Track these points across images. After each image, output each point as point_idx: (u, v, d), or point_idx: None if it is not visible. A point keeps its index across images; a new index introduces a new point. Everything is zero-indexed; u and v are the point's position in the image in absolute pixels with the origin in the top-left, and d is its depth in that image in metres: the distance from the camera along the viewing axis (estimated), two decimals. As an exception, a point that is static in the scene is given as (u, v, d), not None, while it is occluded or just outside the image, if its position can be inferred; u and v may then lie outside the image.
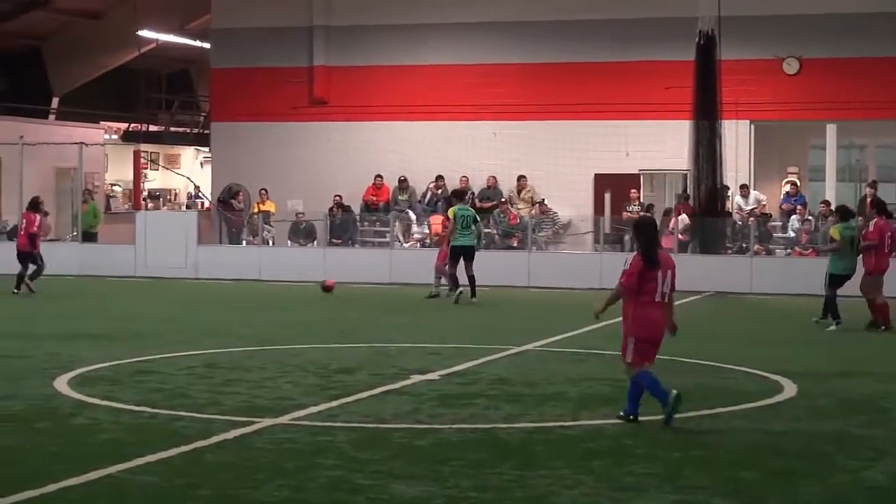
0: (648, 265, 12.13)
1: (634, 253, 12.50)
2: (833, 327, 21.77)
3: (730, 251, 32.63)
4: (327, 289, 28.09)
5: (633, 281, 12.12)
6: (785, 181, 35.50)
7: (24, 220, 28.84)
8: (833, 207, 28.14)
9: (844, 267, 22.06)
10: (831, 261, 22.31)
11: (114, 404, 13.07)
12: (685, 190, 33.90)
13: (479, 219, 27.60)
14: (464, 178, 35.94)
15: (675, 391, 12.06)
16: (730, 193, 33.81)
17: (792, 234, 33.27)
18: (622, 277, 12.21)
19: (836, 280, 22.08)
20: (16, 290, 27.33)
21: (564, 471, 10.12)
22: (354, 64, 38.07)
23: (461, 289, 26.20)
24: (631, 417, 12.28)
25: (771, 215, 34.44)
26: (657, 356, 12.49)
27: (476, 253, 26.82)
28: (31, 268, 28.03)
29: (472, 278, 26.38)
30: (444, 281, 27.10)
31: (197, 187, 46.82)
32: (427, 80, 37.40)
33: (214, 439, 11.27)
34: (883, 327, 21.49)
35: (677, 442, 11.43)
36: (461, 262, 26.29)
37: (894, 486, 10.01)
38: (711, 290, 29.37)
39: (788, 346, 19.57)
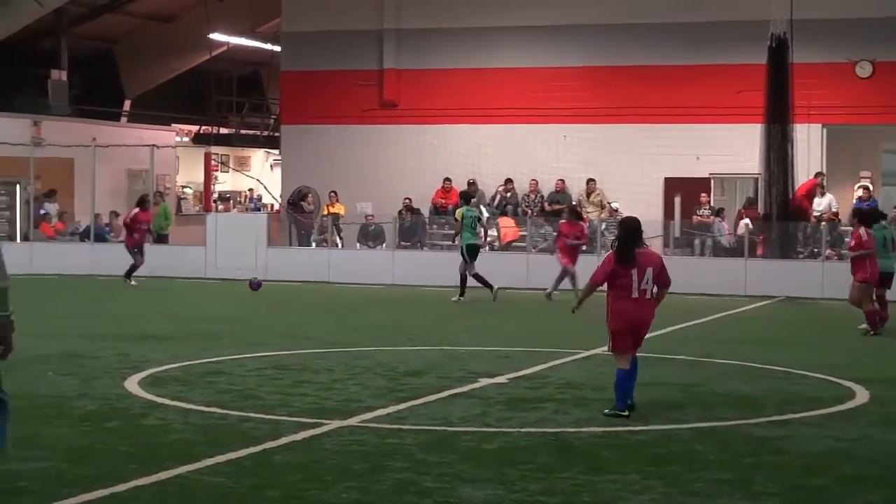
0: (619, 262, 12.95)
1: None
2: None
3: (801, 256, 32.36)
4: (254, 286, 28.46)
5: (599, 277, 13.13)
6: (857, 185, 35.15)
7: (132, 217, 31.11)
8: None
9: (883, 266, 21.93)
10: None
11: (184, 405, 13.14)
12: (756, 193, 33.71)
13: (482, 219, 28.59)
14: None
15: (629, 409, 12.76)
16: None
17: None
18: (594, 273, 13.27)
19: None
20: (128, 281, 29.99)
21: (633, 476, 10.06)
22: (424, 67, 38.12)
23: (495, 286, 27.09)
24: (625, 413, 12.79)
25: (841, 220, 34.11)
26: (639, 348, 13.19)
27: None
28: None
29: (464, 277, 27.29)
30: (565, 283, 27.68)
31: (258, 196, 47.12)
32: (496, 83, 37.37)
33: (283, 440, 11.30)
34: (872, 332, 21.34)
35: (748, 448, 11.33)
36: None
37: (969, 495, 9.88)
38: (782, 294, 29.16)
39: (860, 353, 19.36)
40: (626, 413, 12.72)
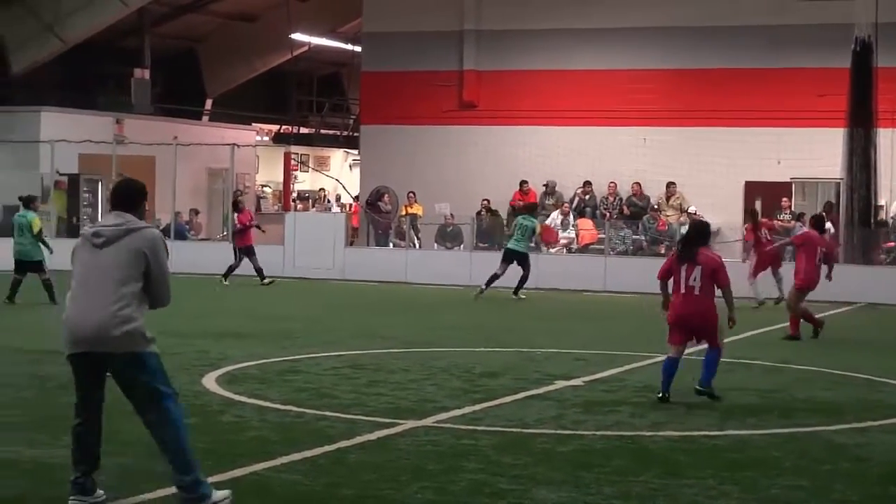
0: (677, 260, 13.93)
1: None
2: None
3: (884, 261, 32.02)
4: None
5: (660, 274, 14.21)
6: (940, 192, 34.73)
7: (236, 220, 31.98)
8: None
9: None
10: None
11: (260, 402, 13.22)
12: (837, 198, 33.40)
13: (536, 231, 29.26)
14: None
15: (661, 395, 13.73)
16: (883, 203, 33.21)
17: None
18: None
19: None
20: (224, 281, 30.68)
21: (710, 481, 9.99)
22: (503, 68, 38.11)
23: (485, 288, 28.07)
24: (665, 395, 13.78)
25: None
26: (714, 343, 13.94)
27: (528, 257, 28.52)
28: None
29: (523, 277, 28.25)
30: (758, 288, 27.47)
31: (327, 195, 47.34)
32: (575, 84, 37.29)
33: (358, 440, 11.33)
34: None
35: (826, 455, 11.22)
36: (513, 263, 28.24)
37: None
38: (863, 301, 28.85)
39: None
40: (661, 395, 13.71)
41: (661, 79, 36.57)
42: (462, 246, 35.63)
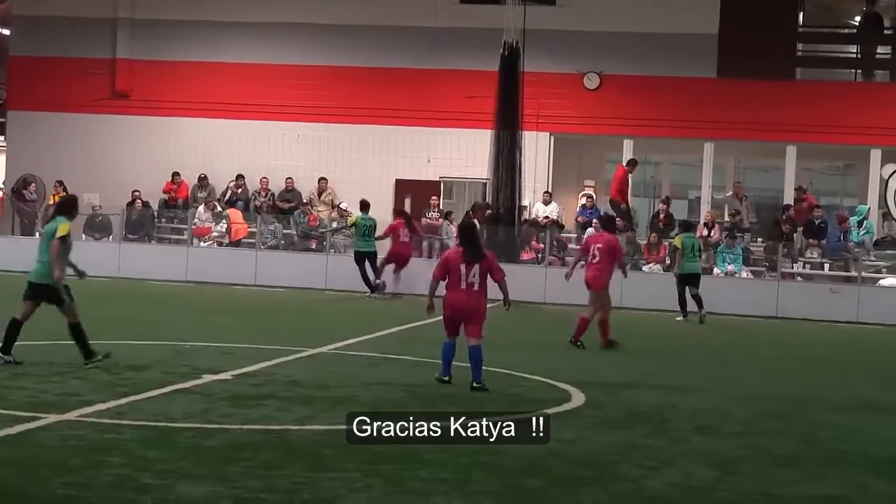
0: (462, 258, 15.30)
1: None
2: (681, 318, 27.57)
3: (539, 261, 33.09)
4: None
5: (437, 272, 15.49)
6: (581, 194, 36.09)
7: None
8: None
9: (690, 268, 27.52)
10: (681, 265, 27.55)
11: None
12: (484, 198, 34.29)
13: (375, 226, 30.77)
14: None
15: (437, 376, 15.42)
16: (527, 203, 34.26)
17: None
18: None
19: (684, 279, 27.68)
20: None
21: (354, 474, 10.13)
22: (158, 58, 37.62)
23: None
24: (445, 378, 15.38)
25: (563, 226, 34.96)
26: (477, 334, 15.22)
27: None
28: None
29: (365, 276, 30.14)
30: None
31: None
32: (231, 77, 37.15)
33: (-2, 434, 11.06)
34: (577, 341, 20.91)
35: (467, 448, 11.49)
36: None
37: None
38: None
39: (577, 357, 19.84)
40: (445, 378, 15.38)
41: (316, 75, 36.77)
42: (111, 237, 35.00)
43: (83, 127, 37.90)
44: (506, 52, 32.57)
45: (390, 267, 30.47)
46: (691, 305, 27.66)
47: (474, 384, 14.98)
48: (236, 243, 34.73)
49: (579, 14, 35.38)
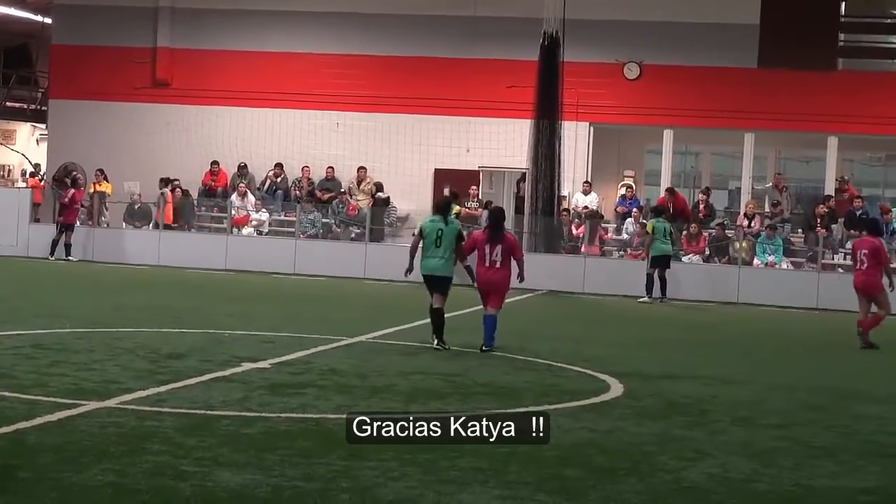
0: (487, 238, 17.64)
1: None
2: (645, 299, 29.15)
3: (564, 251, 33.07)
4: None
5: (467, 247, 17.76)
6: (621, 184, 36.03)
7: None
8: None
9: (662, 250, 29.18)
10: (653, 247, 29.12)
11: (-65, 382, 12.81)
12: (519, 188, 34.34)
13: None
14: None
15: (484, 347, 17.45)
16: (566, 193, 34.23)
17: (626, 236, 33.82)
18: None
19: (656, 261, 29.29)
20: None
21: (392, 463, 10.14)
22: (198, 47, 37.73)
23: None
24: (485, 349, 17.46)
25: (603, 216, 34.91)
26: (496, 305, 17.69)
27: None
28: None
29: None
30: None
31: (37, 165, 45.99)
32: (271, 66, 37.22)
33: (38, 421, 11.08)
34: None
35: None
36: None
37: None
38: (545, 289, 29.71)
39: (618, 347, 19.83)
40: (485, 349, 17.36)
41: (355, 64, 36.80)
42: (151, 225, 35.16)
43: (124, 115, 38.05)
44: (546, 42, 32.52)
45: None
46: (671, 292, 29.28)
47: (483, 348, 17.38)
48: (276, 232, 34.80)
49: (619, 3, 35.28)
